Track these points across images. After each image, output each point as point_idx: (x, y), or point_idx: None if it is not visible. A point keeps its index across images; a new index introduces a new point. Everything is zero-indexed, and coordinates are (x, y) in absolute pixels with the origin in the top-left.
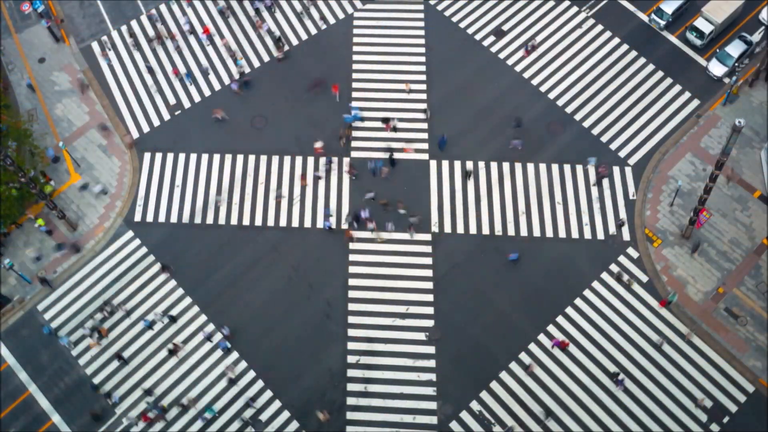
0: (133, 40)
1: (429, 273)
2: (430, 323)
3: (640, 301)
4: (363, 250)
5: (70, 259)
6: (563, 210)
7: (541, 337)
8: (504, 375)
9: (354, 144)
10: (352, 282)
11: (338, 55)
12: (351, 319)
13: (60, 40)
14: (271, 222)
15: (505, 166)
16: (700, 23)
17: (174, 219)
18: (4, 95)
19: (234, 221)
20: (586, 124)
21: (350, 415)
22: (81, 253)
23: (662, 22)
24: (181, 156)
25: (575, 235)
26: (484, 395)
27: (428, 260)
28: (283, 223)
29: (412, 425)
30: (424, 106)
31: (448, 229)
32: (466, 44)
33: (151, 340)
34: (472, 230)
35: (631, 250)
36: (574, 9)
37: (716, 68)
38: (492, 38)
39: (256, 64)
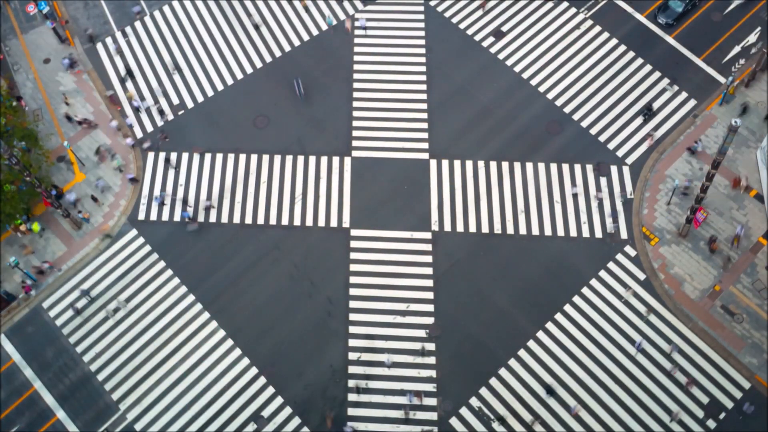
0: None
1: (429, 271)
2: (430, 320)
3: (638, 299)
4: (364, 248)
5: (74, 257)
6: (561, 209)
7: (540, 335)
8: (503, 372)
9: (355, 144)
10: (353, 280)
11: (339, 55)
12: (352, 317)
13: (65, 41)
14: (272, 221)
15: (505, 165)
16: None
17: (177, 218)
18: (9, 95)
19: (236, 220)
20: (585, 123)
21: (351, 411)
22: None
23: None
24: (185, 155)
25: (573, 233)
26: (483, 392)
27: (428, 258)
28: (284, 221)
29: (412, 421)
30: (424, 106)
31: (447, 227)
32: (465, 45)
33: (152, 340)
34: (472, 229)
35: (628, 248)
36: (573, 10)
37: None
38: (491, 39)
39: (258, 64)
